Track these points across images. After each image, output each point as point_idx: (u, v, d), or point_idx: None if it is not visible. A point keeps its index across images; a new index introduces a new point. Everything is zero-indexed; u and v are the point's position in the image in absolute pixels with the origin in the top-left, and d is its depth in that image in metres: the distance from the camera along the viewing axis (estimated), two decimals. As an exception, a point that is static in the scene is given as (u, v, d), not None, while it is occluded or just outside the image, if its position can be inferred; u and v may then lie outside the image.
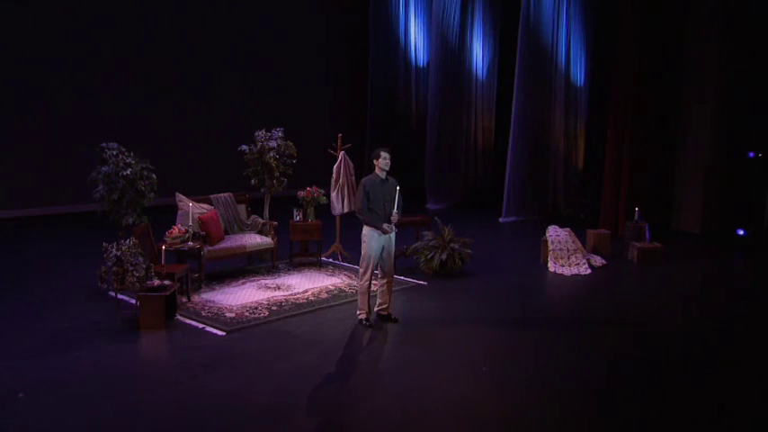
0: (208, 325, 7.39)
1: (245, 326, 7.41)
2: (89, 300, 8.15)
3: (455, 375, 6.29)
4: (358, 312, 7.63)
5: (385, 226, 7.30)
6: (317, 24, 16.84)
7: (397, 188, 7.41)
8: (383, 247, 7.44)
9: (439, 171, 15.78)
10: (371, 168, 7.51)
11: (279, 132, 10.13)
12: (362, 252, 7.48)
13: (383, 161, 7.37)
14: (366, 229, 7.41)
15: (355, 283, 8.62)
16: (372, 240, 7.37)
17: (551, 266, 10.06)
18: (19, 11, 12.90)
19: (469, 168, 16.00)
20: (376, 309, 7.74)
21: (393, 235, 7.47)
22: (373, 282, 7.63)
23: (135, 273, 7.31)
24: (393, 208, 7.36)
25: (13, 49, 12.86)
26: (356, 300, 7.84)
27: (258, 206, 10.32)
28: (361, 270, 7.54)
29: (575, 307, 8.77)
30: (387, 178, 7.44)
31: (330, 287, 8.91)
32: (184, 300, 8.13)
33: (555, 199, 14.51)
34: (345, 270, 9.78)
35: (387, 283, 7.61)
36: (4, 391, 5.72)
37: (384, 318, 7.68)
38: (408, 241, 9.97)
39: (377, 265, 7.54)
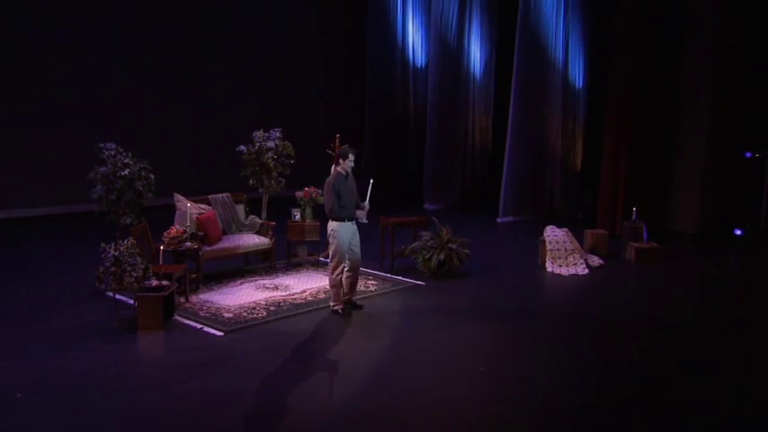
0: (206, 325, 7.40)
1: (243, 326, 7.42)
2: (87, 300, 8.16)
3: (453, 375, 6.30)
4: (332, 304, 7.87)
5: (358, 212, 7.69)
6: (315, 25, 16.83)
7: (371, 181, 7.84)
8: (350, 240, 7.72)
9: (437, 171, 15.80)
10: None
11: (277, 133, 10.13)
12: (333, 248, 7.74)
13: (349, 162, 7.75)
14: (334, 224, 7.68)
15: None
16: (343, 234, 7.63)
17: (549, 267, 10.08)
18: (17, 11, 12.89)
19: (467, 169, 16.02)
20: (344, 297, 7.94)
21: (356, 227, 7.79)
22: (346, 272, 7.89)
23: (133, 273, 7.31)
24: (358, 200, 7.78)
25: (12, 48, 12.85)
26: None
27: (256, 206, 10.32)
28: (332, 264, 7.79)
29: (572, 307, 8.79)
30: (347, 174, 7.78)
31: (328, 287, 8.90)
32: (182, 300, 8.14)
33: (552, 199, 14.52)
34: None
35: (353, 272, 7.87)
36: (2, 392, 5.72)
37: (349, 304, 7.98)
38: (406, 241, 9.98)
39: (346, 258, 7.76)
